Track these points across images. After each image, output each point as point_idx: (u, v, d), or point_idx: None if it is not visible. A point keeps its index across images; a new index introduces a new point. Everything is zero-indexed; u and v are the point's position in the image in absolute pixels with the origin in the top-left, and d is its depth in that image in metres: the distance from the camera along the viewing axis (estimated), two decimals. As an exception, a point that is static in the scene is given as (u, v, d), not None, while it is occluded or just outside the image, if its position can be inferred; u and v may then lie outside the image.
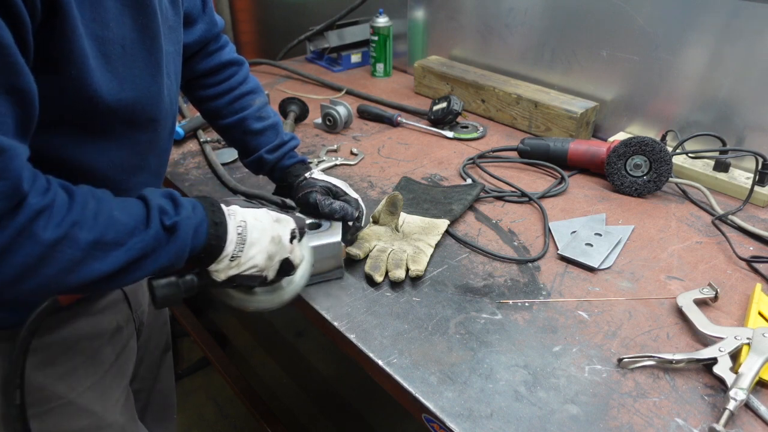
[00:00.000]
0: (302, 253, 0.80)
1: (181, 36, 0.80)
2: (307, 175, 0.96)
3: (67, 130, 0.63)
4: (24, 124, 0.53)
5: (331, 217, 0.90)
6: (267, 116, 1.00)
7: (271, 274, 0.73)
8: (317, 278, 0.91)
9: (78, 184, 0.66)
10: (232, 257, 0.67)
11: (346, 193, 0.95)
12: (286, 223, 0.75)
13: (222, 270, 0.68)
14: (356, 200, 0.95)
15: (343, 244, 0.90)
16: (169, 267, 0.63)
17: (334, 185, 0.95)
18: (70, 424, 0.84)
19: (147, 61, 0.67)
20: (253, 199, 1.09)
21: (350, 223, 0.93)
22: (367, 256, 0.95)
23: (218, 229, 0.66)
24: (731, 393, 0.68)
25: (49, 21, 0.53)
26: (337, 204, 0.90)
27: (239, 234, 0.68)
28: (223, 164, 1.28)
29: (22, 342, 0.68)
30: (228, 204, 0.71)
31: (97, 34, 0.59)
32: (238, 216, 0.69)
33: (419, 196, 1.14)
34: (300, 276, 0.81)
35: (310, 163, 1.30)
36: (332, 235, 0.89)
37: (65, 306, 0.67)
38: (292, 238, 0.75)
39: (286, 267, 0.75)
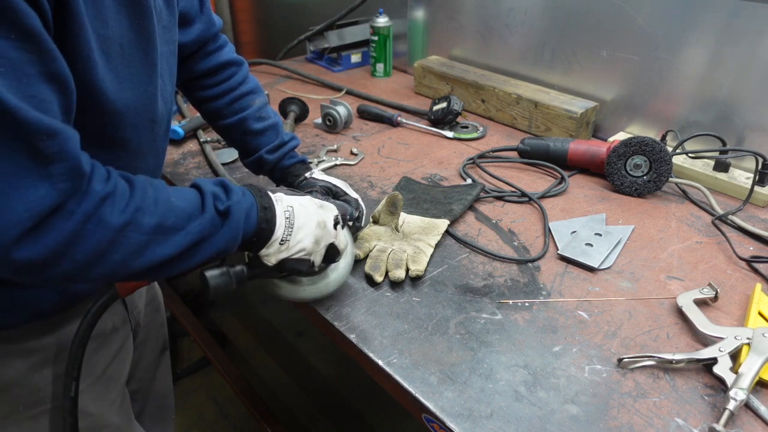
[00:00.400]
0: (346, 240, 0.81)
1: (176, 36, 0.80)
2: (307, 175, 0.96)
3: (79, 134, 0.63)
4: (67, 111, 0.55)
5: None
6: (267, 116, 0.99)
7: (318, 259, 0.75)
8: None
9: None
10: (282, 241, 0.70)
11: (346, 193, 0.95)
12: (330, 209, 0.77)
13: (272, 254, 0.70)
14: (356, 200, 0.95)
15: None
16: (225, 251, 0.65)
17: (334, 185, 0.95)
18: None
19: (143, 61, 0.67)
20: None
21: (350, 223, 0.93)
22: (367, 256, 0.95)
23: (267, 213, 0.69)
24: (731, 393, 0.68)
25: (58, 12, 0.53)
26: (337, 203, 0.90)
27: (287, 218, 0.70)
28: (223, 164, 1.28)
29: (83, 333, 0.70)
30: (273, 192, 0.74)
31: (99, 32, 0.59)
32: (284, 201, 0.72)
33: (419, 196, 1.14)
34: (344, 265, 0.83)
35: (311, 163, 1.30)
36: None
37: (123, 297, 0.68)
38: (336, 224, 0.77)
39: (332, 252, 0.77)
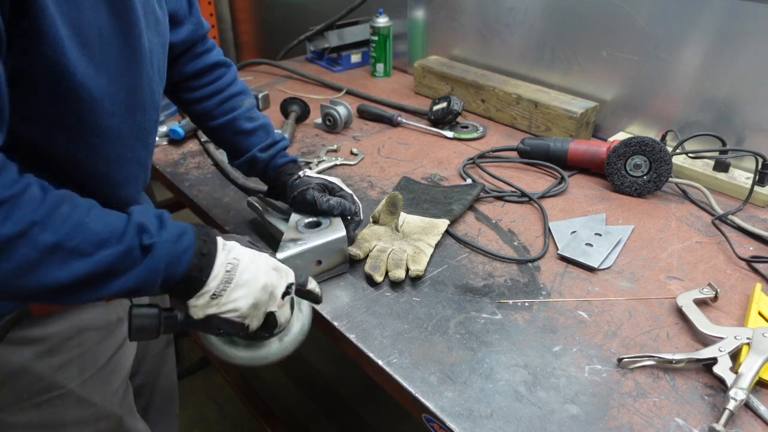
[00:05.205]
0: (289, 314, 0.75)
1: (167, 30, 0.80)
2: (300, 173, 0.96)
3: (57, 124, 0.63)
4: None
5: (329, 213, 0.91)
6: (257, 117, 0.99)
7: (253, 325, 0.69)
8: (325, 275, 0.91)
9: (73, 179, 0.65)
10: (214, 295, 0.64)
11: (342, 189, 0.95)
12: (285, 274, 0.71)
13: (200, 307, 0.64)
14: (351, 195, 0.95)
15: None
16: (138, 291, 0.60)
17: (330, 182, 0.95)
18: (68, 414, 0.84)
19: (123, 49, 0.67)
20: (259, 195, 1.09)
21: (349, 218, 0.93)
22: (367, 256, 0.95)
23: (203, 260, 0.63)
24: (731, 393, 0.68)
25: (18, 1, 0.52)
26: (334, 200, 0.91)
27: (227, 271, 0.64)
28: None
29: None
30: (228, 239, 0.68)
31: (71, 17, 0.59)
32: (232, 253, 0.66)
33: (419, 196, 1.14)
34: (291, 339, 0.75)
35: (309, 163, 1.30)
36: (336, 230, 0.89)
37: (37, 316, 0.64)
38: (286, 294, 0.71)
39: (270, 325, 0.70)
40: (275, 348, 0.74)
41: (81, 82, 0.61)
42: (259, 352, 0.73)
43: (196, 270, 0.62)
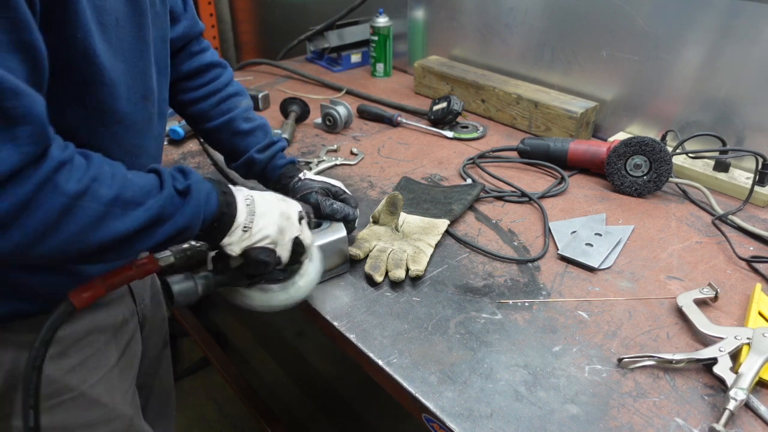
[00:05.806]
0: (312, 237, 0.80)
1: (167, 26, 0.81)
2: (300, 176, 0.96)
3: (83, 110, 0.65)
4: (35, 82, 0.54)
5: (332, 217, 0.91)
6: (254, 118, 0.99)
7: (284, 254, 0.74)
8: (326, 275, 0.91)
9: None
10: (245, 227, 0.69)
11: (345, 192, 0.95)
12: (292, 204, 0.77)
13: (236, 242, 0.69)
14: (354, 198, 0.95)
15: None
16: (187, 230, 0.65)
17: (333, 185, 0.96)
18: (81, 416, 0.84)
19: (136, 36, 0.69)
20: None
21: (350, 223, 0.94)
22: (367, 256, 0.95)
23: (228, 197, 0.69)
24: (731, 393, 0.68)
25: None
26: (337, 204, 0.91)
27: (248, 205, 0.70)
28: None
29: (37, 353, 0.64)
30: (234, 184, 0.74)
31: (94, 2, 0.61)
32: (244, 191, 0.72)
33: (419, 196, 1.14)
34: (313, 270, 0.81)
35: (309, 163, 1.30)
36: (337, 231, 0.90)
37: (79, 309, 0.65)
38: (300, 218, 0.76)
39: (298, 249, 0.76)
40: (303, 282, 0.80)
41: (104, 64, 0.63)
42: (292, 289, 0.79)
43: (225, 206, 0.68)
